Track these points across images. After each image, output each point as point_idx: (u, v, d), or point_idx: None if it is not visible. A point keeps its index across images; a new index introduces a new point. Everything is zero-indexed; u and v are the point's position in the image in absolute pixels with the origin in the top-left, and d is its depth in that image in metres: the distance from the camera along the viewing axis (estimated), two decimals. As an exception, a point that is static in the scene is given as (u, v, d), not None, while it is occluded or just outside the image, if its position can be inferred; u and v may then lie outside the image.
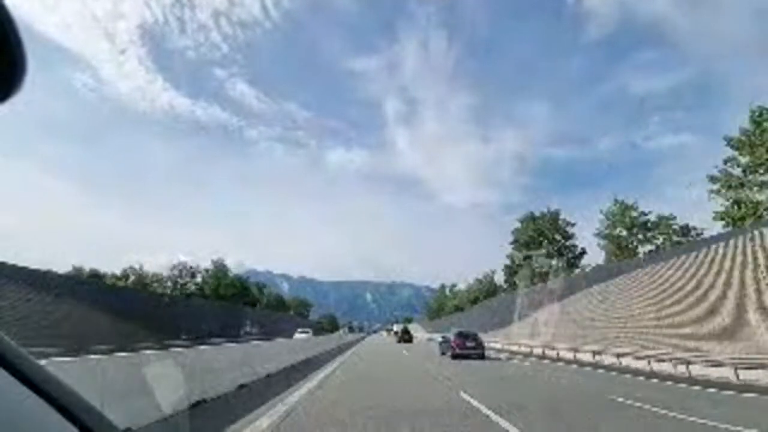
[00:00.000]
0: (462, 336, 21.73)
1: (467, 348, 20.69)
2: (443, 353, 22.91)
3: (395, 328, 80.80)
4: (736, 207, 22.37)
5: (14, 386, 0.78)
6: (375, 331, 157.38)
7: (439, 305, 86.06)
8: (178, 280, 55.28)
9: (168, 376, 6.51)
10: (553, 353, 22.90)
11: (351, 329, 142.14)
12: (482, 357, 20.82)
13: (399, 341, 45.66)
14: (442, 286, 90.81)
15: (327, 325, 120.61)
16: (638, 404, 8.31)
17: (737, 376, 11.96)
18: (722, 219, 23.28)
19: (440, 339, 25.91)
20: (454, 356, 20.48)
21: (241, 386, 9.56)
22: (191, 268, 57.96)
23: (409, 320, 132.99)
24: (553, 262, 44.31)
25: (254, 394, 9.01)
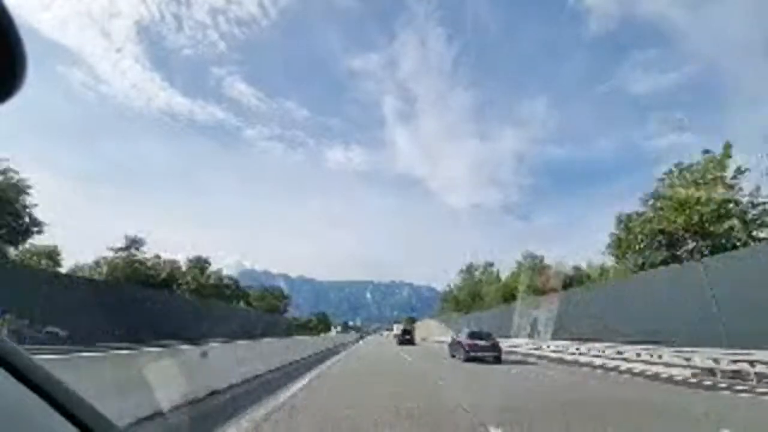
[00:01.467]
0: (474, 336, 20.35)
1: (480, 349, 19.05)
2: (453, 356, 22.02)
3: (395, 329, 77.27)
4: None
5: (14, 386, 0.77)
6: (374, 331, 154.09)
7: (471, 295, 58.51)
8: None
9: (166, 373, 6.50)
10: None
11: (346, 328, 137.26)
12: (499, 360, 18.89)
13: (400, 343, 42.85)
14: (470, 266, 63.55)
15: (317, 325, 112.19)
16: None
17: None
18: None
19: (449, 341, 24.87)
20: (466, 359, 19.14)
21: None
22: None
23: (412, 320, 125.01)
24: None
25: None
